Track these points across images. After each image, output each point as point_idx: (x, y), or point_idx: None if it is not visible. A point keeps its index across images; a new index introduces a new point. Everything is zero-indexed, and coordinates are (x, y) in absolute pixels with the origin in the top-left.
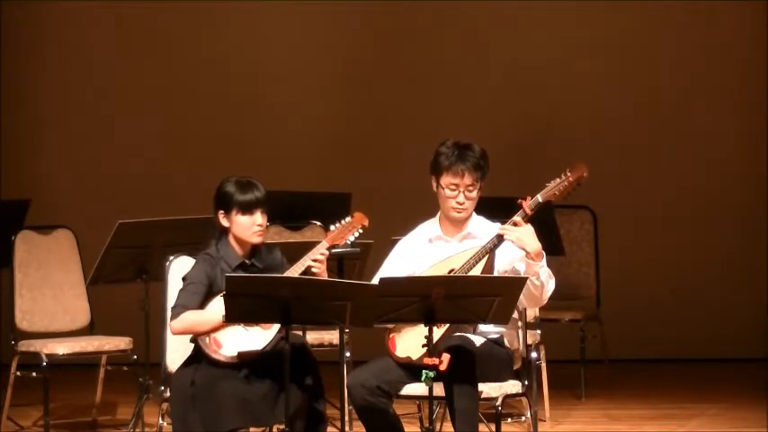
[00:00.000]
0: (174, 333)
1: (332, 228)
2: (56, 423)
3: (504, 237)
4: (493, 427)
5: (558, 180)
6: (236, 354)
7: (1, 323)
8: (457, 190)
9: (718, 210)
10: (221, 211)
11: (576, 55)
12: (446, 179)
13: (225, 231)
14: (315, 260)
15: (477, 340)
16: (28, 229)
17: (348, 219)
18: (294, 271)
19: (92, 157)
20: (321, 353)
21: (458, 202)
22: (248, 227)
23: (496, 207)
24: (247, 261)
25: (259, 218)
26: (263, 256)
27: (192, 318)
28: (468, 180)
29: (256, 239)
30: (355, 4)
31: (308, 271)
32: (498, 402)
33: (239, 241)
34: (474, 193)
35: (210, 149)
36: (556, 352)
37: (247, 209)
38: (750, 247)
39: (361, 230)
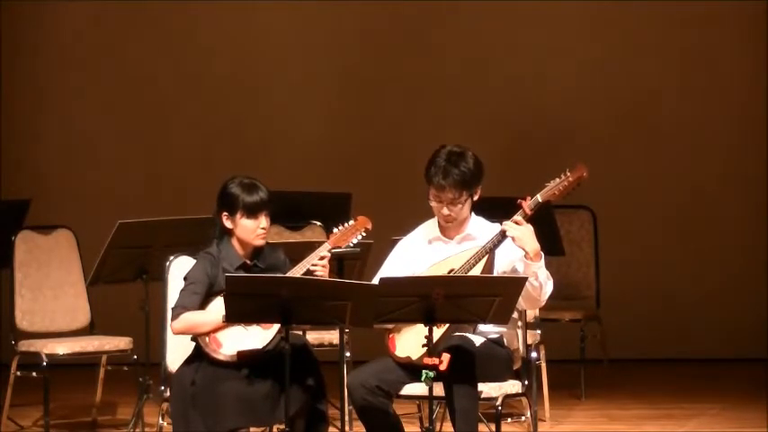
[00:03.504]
0: (175, 333)
1: (335, 230)
2: (56, 423)
3: (507, 232)
4: (493, 427)
5: (557, 180)
6: (235, 353)
7: (1, 323)
8: (441, 203)
9: (718, 210)
10: (225, 213)
11: (576, 56)
12: (431, 191)
13: (227, 232)
14: (316, 264)
15: (477, 340)
16: (28, 229)
17: (351, 222)
18: (296, 272)
19: (92, 157)
20: (321, 353)
21: (443, 214)
22: (252, 230)
23: (496, 207)
24: (249, 261)
25: (263, 221)
26: (265, 256)
27: (192, 318)
28: (449, 195)
29: (259, 242)
30: (356, 5)
31: (310, 274)
32: (498, 402)
33: (241, 242)
34: (459, 207)
35: (211, 150)
36: (556, 352)
37: (252, 213)
38: (750, 247)
39: (364, 233)
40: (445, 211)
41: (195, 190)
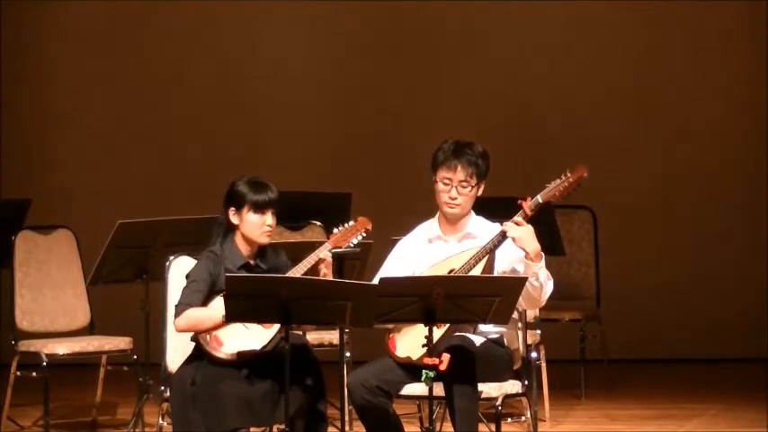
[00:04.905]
0: (178, 330)
1: (335, 230)
2: (56, 423)
3: (508, 233)
4: (493, 427)
5: (558, 181)
6: (236, 352)
7: (1, 323)
8: (450, 185)
9: (717, 210)
10: (232, 208)
11: (576, 56)
12: (440, 173)
13: (232, 229)
14: (320, 261)
15: (477, 340)
16: (28, 229)
17: (352, 222)
18: (296, 272)
19: (92, 157)
20: (321, 353)
21: (450, 197)
22: (258, 226)
23: (496, 207)
24: (252, 262)
25: (269, 218)
26: (268, 257)
27: (194, 315)
28: (460, 175)
29: (264, 240)
30: (355, 4)
31: (315, 271)
32: (498, 402)
33: (246, 240)
34: (468, 190)
35: (211, 150)
36: (556, 352)
37: (259, 208)
38: (750, 248)
39: (364, 234)
40: (453, 192)
41: (195, 190)
